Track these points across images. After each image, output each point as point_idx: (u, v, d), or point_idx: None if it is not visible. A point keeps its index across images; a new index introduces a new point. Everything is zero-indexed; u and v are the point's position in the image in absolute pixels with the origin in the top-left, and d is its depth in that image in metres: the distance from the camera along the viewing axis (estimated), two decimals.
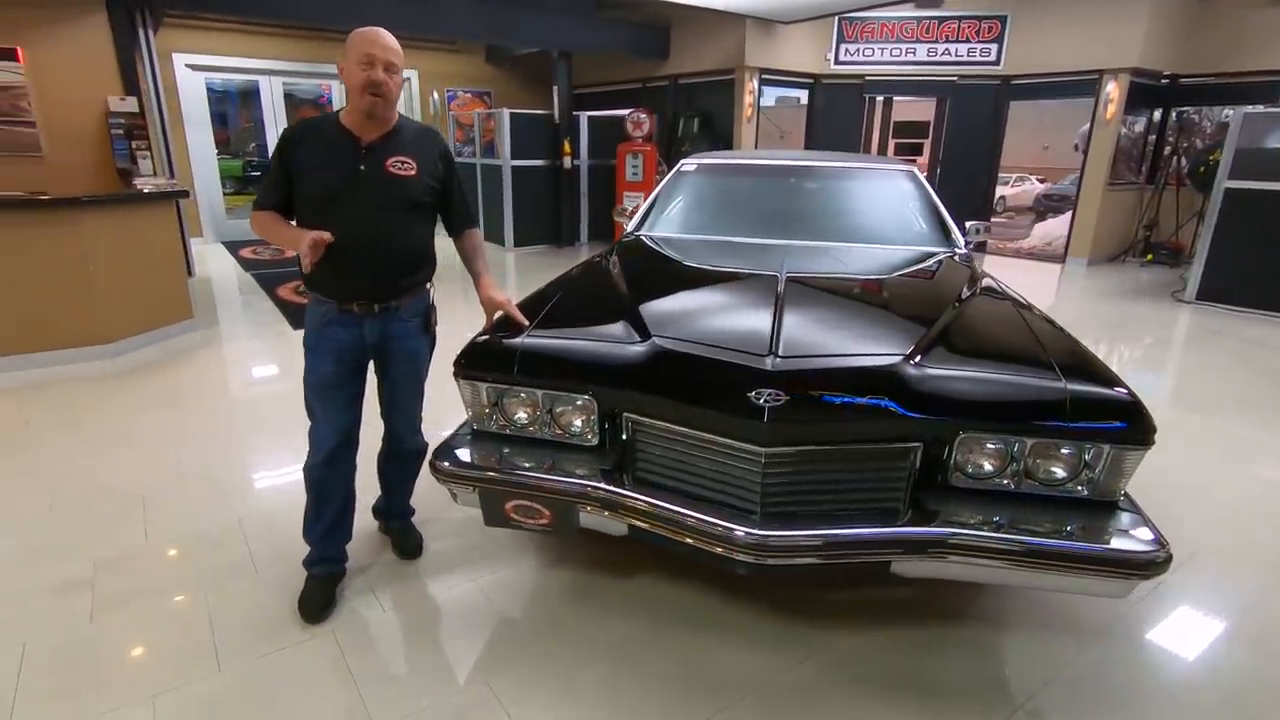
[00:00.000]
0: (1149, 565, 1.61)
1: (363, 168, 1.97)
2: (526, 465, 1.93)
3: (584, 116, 8.94)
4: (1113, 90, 7.68)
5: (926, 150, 9.47)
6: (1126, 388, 1.78)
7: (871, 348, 1.93)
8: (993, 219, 10.54)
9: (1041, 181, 18.12)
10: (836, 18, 8.54)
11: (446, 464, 1.99)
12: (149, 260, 4.59)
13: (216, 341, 4.81)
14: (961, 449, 1.77)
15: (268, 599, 2.15)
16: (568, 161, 8.79)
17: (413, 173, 2.03)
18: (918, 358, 1.84)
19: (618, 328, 2.09)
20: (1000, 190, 16.21)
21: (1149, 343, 5.42)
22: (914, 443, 1.74)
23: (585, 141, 9.00)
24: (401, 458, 2.32)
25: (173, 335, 4.79)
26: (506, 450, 2.02)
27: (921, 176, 3.52)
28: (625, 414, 1.91)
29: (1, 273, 3.97)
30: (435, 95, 10.21)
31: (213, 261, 7.90)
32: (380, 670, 1.88)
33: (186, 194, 5.21)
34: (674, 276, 2.69)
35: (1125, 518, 1.73)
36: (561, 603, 2.18)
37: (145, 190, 4.89)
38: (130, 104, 6.02)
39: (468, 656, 1.95)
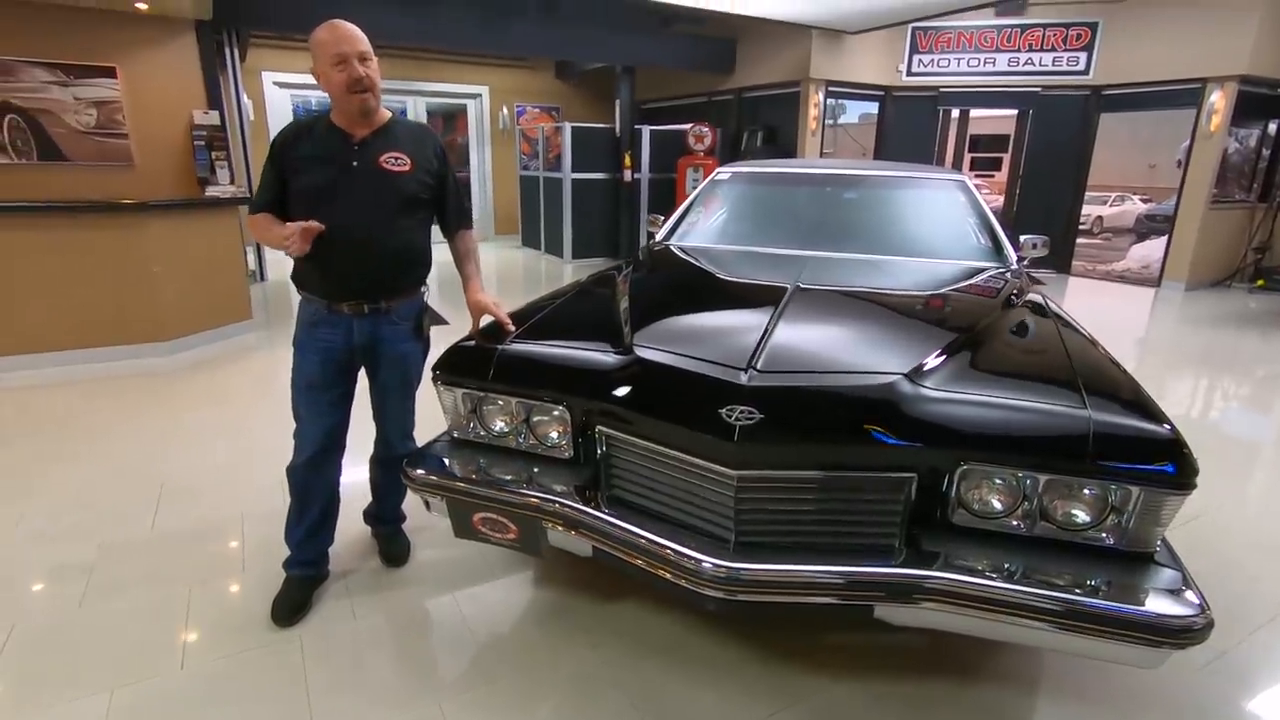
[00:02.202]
0: (1184, 633, 1.35)
1: (355, 164, 1.95)
2: (492, 476, 1.84)
3: (646, 130, 8.92)
4: (1218, 100, 7.03)
5: (1006, 165, 8.93)
6: (1169, 422, 1.52)
7: (868, 365, 1.74)
8: (1087, 240, 9.84)
9: (1145, 201, 16.88)
10: (910, 28, 8.21)
11: (419, 471, 1.92)
12: (210, 262, 4.82)
13: (271, 343, 4.99)
14: (964, 483, 1.55)
15: (247, 598, 2.14)
16: (628, 174, 8.78)
17: (407, 168, 1.99)
18: (918, 377, 1.64)
19: (604, 336, 1.98)
20: (1097, 210, 15.19)
21: (1260, 376, 4.84)
22: (907, 473, 1.55)
23: (647, 155, 8.97)
24: (391, 464, 2.25)
25: (230, 335, 5.01)
26: (480, 460, 1.93)
27: (972, 187, 3.26)
28: (599, 427, 1.79)
29: (73, 272, 4.25)
30: (505, 110, 10.45)
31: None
32: (336, 681, 1.82)
33: (247, 200, 5.45)
34: (679, 287, 2.56)
35: (1159, 573, 1.47)
36: (534, 624, 2.07)
37: (217, 197, 5.17)
38: (212, 117, 6.40)
39: (426, 674, 1.86)
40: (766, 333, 1.82)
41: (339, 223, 1.92)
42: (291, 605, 2.05)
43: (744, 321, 1.98)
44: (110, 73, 6.08)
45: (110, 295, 4.36)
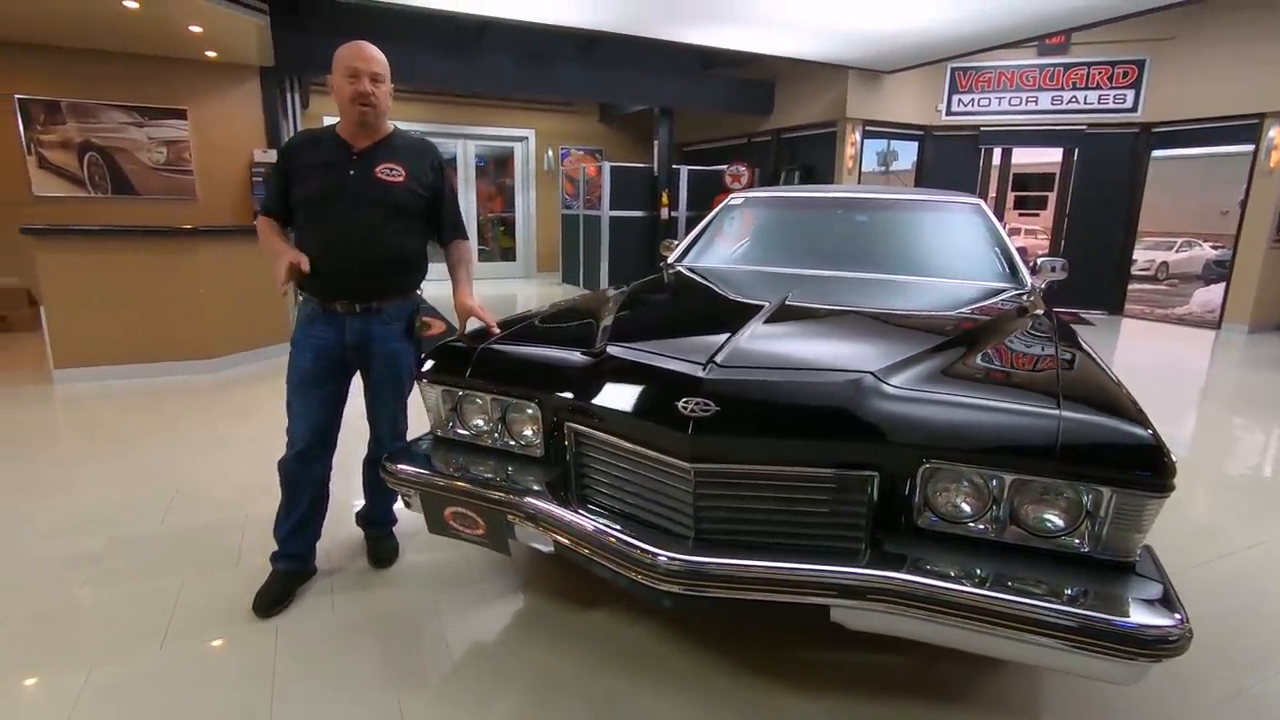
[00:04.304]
0: (1158, 644, 1.25)
1: (353, 173, 2.05)
2: (462, 472, 1.86)
3: (684, 170, 9.09)
4: (1277, 136, 6.76)
5: (1051, 204, 8.71)
6: (1149, 426, 1.44)
7: (834, 363, 1.71)
8: (1152, 286, 9.43)
9: (1216, 248, 16.17)
10: (949, 68, 8.21)
11: (396, 466, 1.95)
12: (253, 286, 5.06)
13: None
14: (931, 484, 1.50)
15: (235, 589, 2.18)
16: (665, 212, 8.92)
17: (401, 179, 2.09)
18: (885, 376, 1.60)
19: (582, 340, 2.00)
20: (1163, 255, 14.61)
21: None
22: (868, 471, 1.50)
23: (684, 193, 9.12)
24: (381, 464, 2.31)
25: (269, 356, 5.22)
26: (455, 457, 1.96)
27: (987, 210, 3.20)
28: (568, 424, 1.80)
29: (129, 292, 4.53)
30: (550, 152, 10.80)
31: None
32: (303, 670, 1.83)
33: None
34: (668, 301, 2.59)
35: (1138, 583, 1.38)
36: (507, 628, 2.05)
37: None
38: (271, 155, 6.82)
39: (391, 670, 1.85)
40: (736, 334, 1.82)
41: (335, 227, 2.03)
42: (273, 597, 2.09)
43: (720, 327, 1.97)
44: (181, 114, 6.59)
45: (162, 315, 4.63)
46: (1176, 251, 15.37)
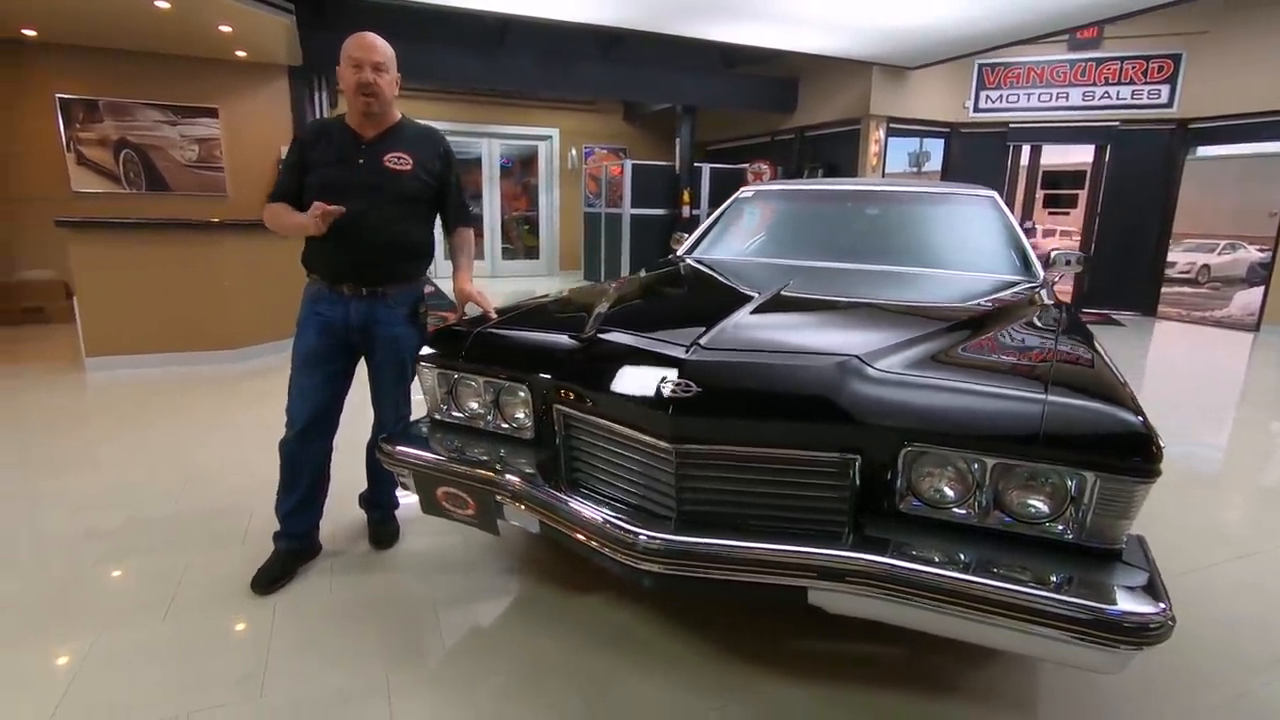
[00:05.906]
0: (1139, 632, 1.23)
1: (362, 161, 2.10)
2: (454, 453, 1.89)
3: (706, 168, 9.08)
4: None
5: (1082, 203, 8.50)
6: (1139, 411, 1.40)
7: (819, 348, 1.69)
8: (1192, 289, 9.13)
9: (1262, 251, 15.61)
10: (975, 64, 8.07)
11: (394, 447, 1.99)
12: (276, 279, 5.16)
13: None
14: (914, 468, 1.48)
15: (239, 567, 2.23)
16: (686, 210, 8.92)
17: (408, 168, 2.13)
18: (870, 360, 1.58)
19: (576, 325, 2.01)
20: (1204, 258, 14.14)
21: None
22: (850, 454, 1.49)
23: (706, 191, 9.11)
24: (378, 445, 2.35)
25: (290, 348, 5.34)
26: (449, 439, 1.99)
27: (1000, 203, 3.14)
28: (555, 406, 1.81)
29: (157, 284, 4.67)
30: (574, 151, 10.86)
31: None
32: (297, 644, 1.88)
33: None
34: (666, 289, 2.58)
35: (1124, 571, 1.34)
36: (500, 610, 2.07)
37: None
38: None
39: (382, 647, 1.89)
40: (724, 319, 1.81)
41: (345, 214, 2.07)
42: (272, 575, 2.14)
43: (712, 314, 1.97)
44: (213, 113, 6.77)
45: (187, 306, 4.77)
46: (1219, 254, 14.84)
